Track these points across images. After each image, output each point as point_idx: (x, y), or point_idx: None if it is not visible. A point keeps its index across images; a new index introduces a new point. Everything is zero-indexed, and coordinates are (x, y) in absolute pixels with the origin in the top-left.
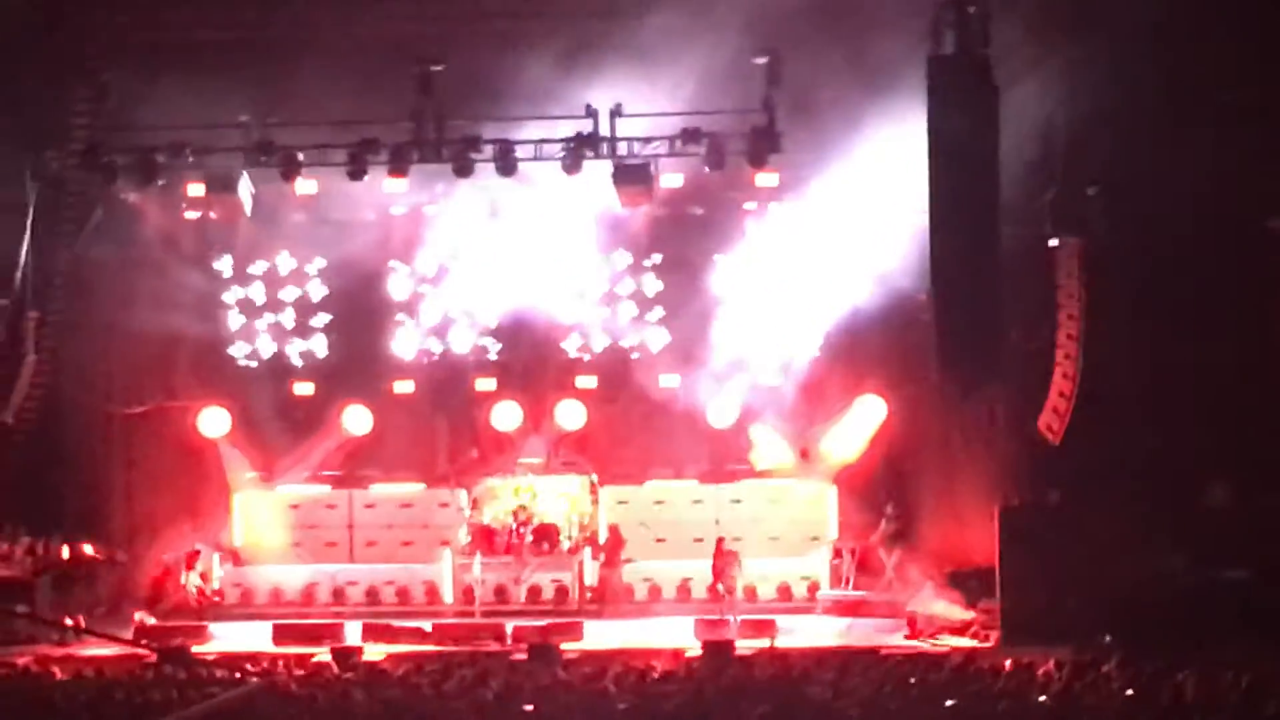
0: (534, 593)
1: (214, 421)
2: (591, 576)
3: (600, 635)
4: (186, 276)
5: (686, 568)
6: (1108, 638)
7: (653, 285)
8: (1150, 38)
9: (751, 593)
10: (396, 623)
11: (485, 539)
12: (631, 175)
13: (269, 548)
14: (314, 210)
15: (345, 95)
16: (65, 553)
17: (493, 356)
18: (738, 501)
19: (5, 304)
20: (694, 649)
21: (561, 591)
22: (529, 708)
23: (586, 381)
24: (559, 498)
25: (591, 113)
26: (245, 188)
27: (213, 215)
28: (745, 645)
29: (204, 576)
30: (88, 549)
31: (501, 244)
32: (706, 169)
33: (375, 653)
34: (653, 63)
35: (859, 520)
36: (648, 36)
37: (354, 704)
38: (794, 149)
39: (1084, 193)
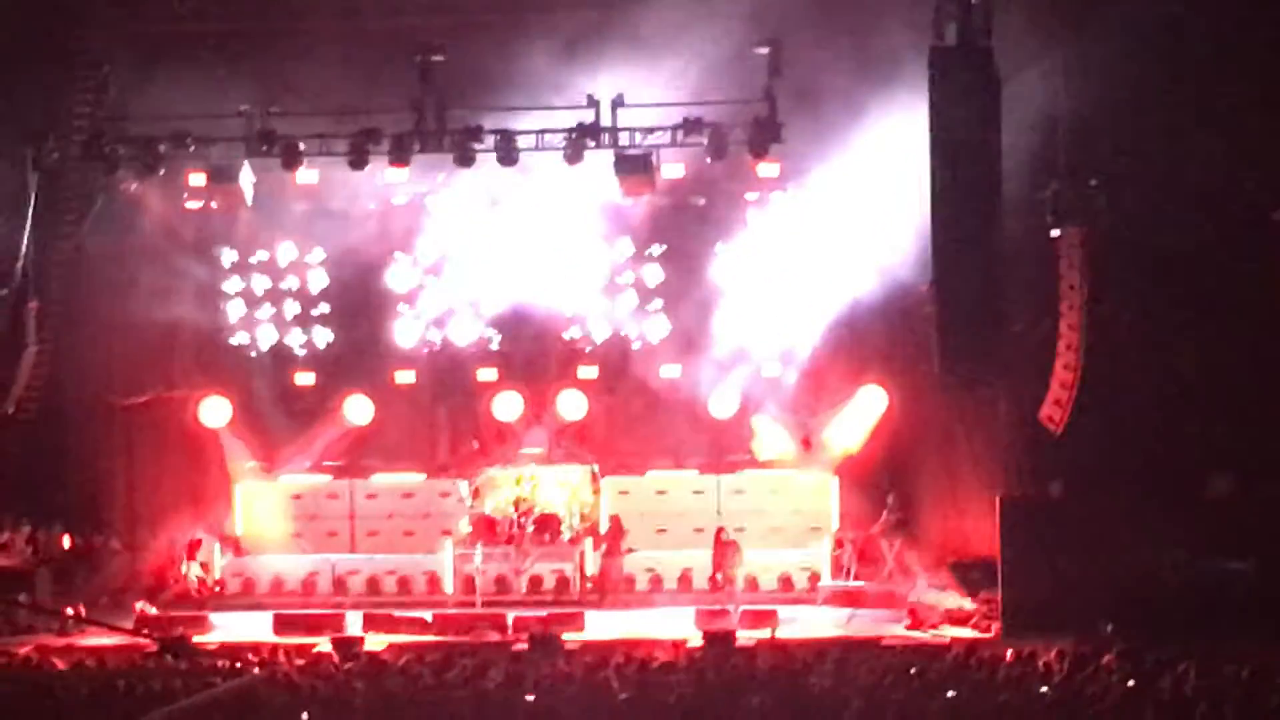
0: (535, 583)
1: (215, 411)
2: (592, 567)
3: (601, 625)
4: (187, 266)
5: (687, 558)
6: (1109, 628)
7: (654, 275)
8: (1152, 28)
9: (753, 583)
10: (397, 613)
11: (486, 529)
12: (633, 165)
13: (270, 537)
14: (315, 200)
15: (346, 85)
16: (66, 542)
17: (494, 347)
18: (739, 492)
19: (6, 294)
20: (695, 639)
21: (562, 582)
22: (530, 698)
23: (588, 372)
24: (560, 488)
25: (593, 103)
26: (246, 177)
27: (214, 205)
28: (746, 635)
29: (205, 566)
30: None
31: (503, 234)
32: (708, 159)
33: (376, 643)
34: (654, 53)
35: (860, 511)
36: (649, 26)
37: (355, 694)
38: (795, 139)
39: (1086, 184)
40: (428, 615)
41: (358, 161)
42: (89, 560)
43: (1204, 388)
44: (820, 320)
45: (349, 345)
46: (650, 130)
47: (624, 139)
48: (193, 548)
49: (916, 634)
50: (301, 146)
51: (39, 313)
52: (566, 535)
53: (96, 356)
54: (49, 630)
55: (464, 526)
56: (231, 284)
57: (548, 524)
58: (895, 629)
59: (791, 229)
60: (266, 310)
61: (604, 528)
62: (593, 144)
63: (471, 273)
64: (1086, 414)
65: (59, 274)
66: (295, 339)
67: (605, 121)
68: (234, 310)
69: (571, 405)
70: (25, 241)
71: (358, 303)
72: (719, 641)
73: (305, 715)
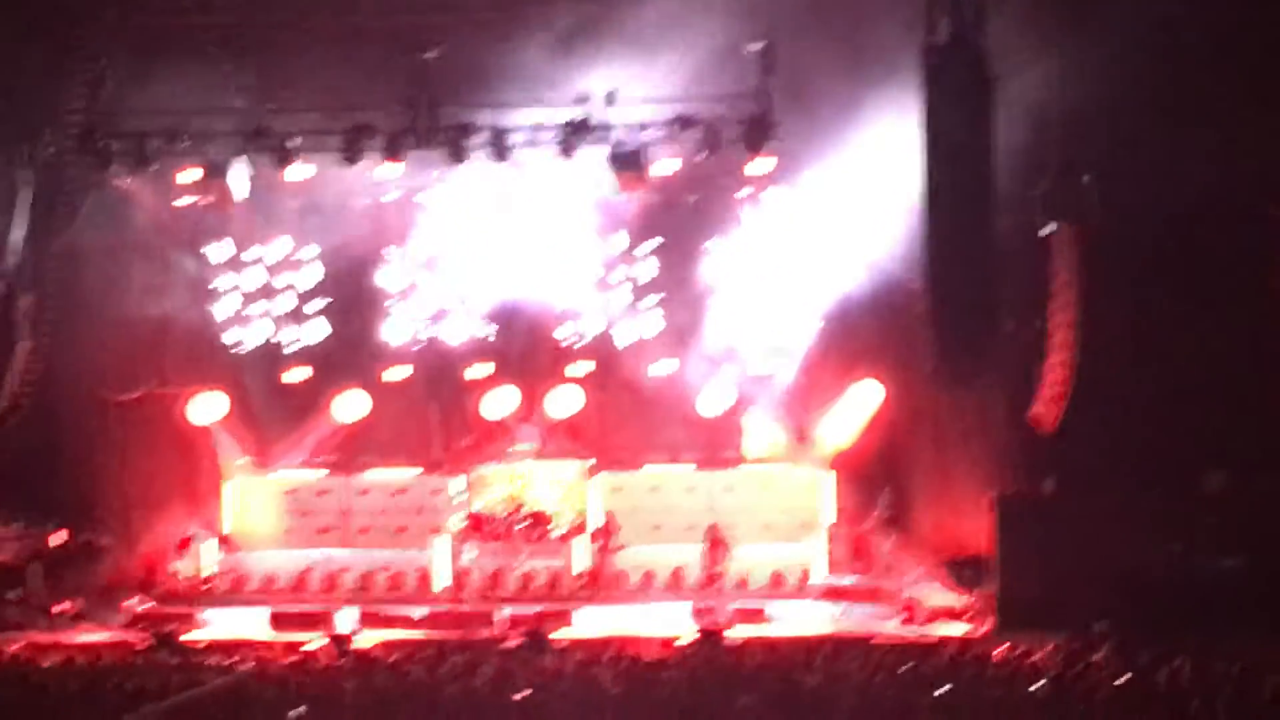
0: (527, 579)
1: (208, 407)
2: (584, 563)
3: (593, 622)
4: (180, 262)
5: (679, 554)
6: (1099, 624)
7: (647, 272)
8: (1145, 25)
9: (744, 580)
10: (389, 610)
11: (478, 526)
12: (626, 162)
13: (262, 534)
14: (308, 196)
15: (340, 81)
16: (58, 539)
17: (487, 343)
18: (731, 488)
19: None
20: (686, 636)
21: (554, 578)
22: (521, 695)
23: (580, 368)
24: (552, 484)
25: (586, 99)
26: (240, 173)
27: (207, 201)
28: (737, 632)
29: (197, 563)
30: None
31: (496, 231)
32: (701, 156)
33: (368, 639)
34: (648, 49)
35: (853, 507)
36: (642, 23)
37: (345, 691)
38: (788, 136)
39: (1079, 181)
40: (419, 612)
41: (351, 158)
42: (81, 556)
43: (1197, 384)
44: (813, 317)
45: (342, 341)
46: (643, 127)
47: (617, 135)
48: (185, 544)
49: (909, 630)
50: (295, 143)
51: (32, 308)
52: (558, 532)
53: (89, 352)
54: (40, 627)
55: (456, 523)
56: (224, 280)
57: (540, 521)
58: (888, 625)
59: (784, 226)
60: (259, 306)
61: (596, 524)
62: (586, 140)
63: (464, 269)
64: (1080, 411)
65: (52, 269)
66: (288, 335)
67: (598, 118)
68: (227, 306)
69: (564, 402)
70: (18, 237)
71: (351, 299)
72: (710, 638)
73: (296, 712)
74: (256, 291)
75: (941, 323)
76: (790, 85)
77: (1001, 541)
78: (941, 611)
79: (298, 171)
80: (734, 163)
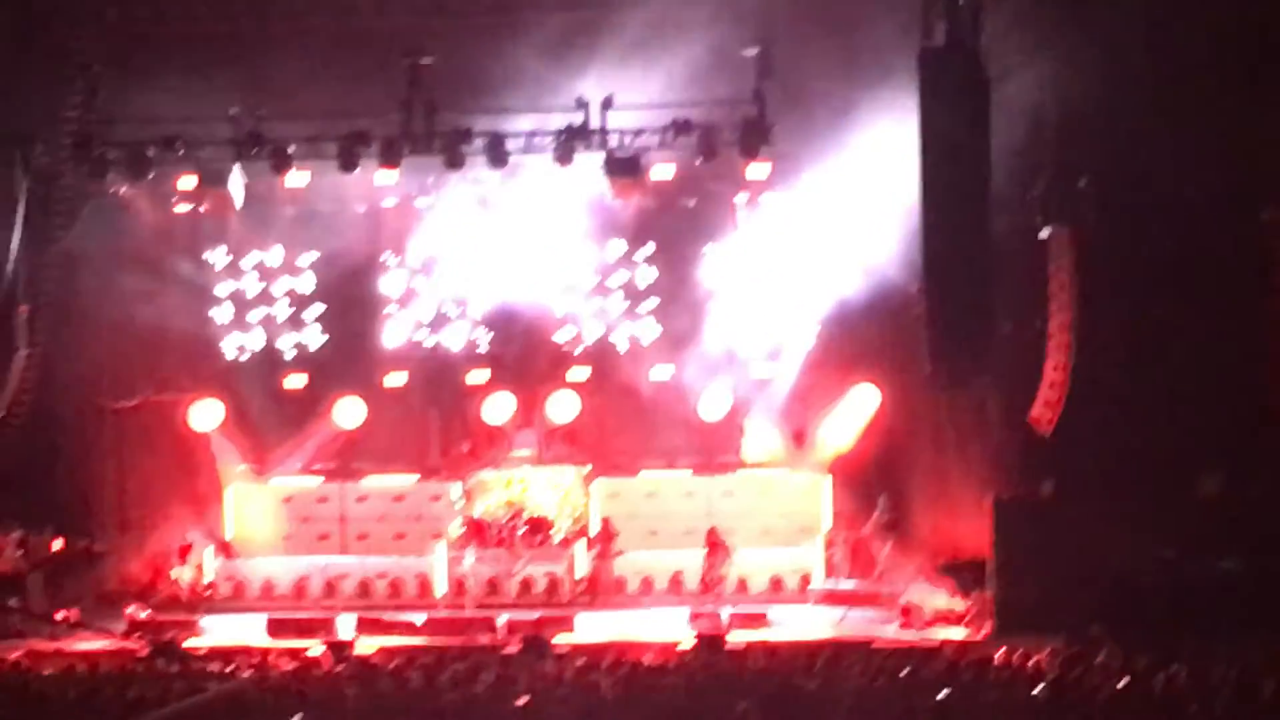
0: (526, 585)
1: (206, 414)
2: (584, 569)
3: (592, 628)
4: (177, 269)
5: (678, 560)
6: (1097, 627)
7: (644, 277)
8: (1141, 27)
9: (743, 584)
10: (388, 616)
11: (477, 532)
12: (622, 167)
13: (261, 541)
14: (305, 203)
15: (336, 88)
16: (57, 546)
17: (484, 349)
18: (730, 493)
19: None
20: (686, 641)
21: (554, 584)
22: (521, 701)
23: (578, 373)
24: (551, 490)
25: (582, 104)
26: (236, 181)
27: (203, 208)
28: (737, 637)
29: (196, 570)
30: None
31: (492, 236)
32: (698, 160)
33: (367, 646)
34: (644, 54)
35: (851, 511)
36: (638, 28)
37: (345, 698)
38: (785, 140)
39: (1075, 183)
40: (419, 618)
41: (347, 164)
42: (80, 564)
43: (1195, 387)
44: (810, 321)
45: (339, 348)
46: (640, 132)
47: (613, 140)
48: (184, 551)
49: (908, 634)
50: (291, 149)
51: (29, 316)
52: (557, 537)
53: (87, 360)
54: (39, 635)
55: (455, 529)
56: (221, 287)
57: (539, 526)
58: (887, 629)
59: (781, 230)
60: (257, 313)
61: (595, 530)
62: (582, 145)
63: (461, 275)
64: (1077, 414)
65: (49, 277)
66: (286, 342)
67: (595, 123)
68: (224, 313)
69: (562, 407)
70: (15, 245)
71: (348, 305)
72: (710, 643)
73: (296, 719)
74: (254, 298)
75: (939, 325)
76: (787, 89)
77: (999, 545)
78: (940, 615)
79: (294, 178)
80: (731, 167)
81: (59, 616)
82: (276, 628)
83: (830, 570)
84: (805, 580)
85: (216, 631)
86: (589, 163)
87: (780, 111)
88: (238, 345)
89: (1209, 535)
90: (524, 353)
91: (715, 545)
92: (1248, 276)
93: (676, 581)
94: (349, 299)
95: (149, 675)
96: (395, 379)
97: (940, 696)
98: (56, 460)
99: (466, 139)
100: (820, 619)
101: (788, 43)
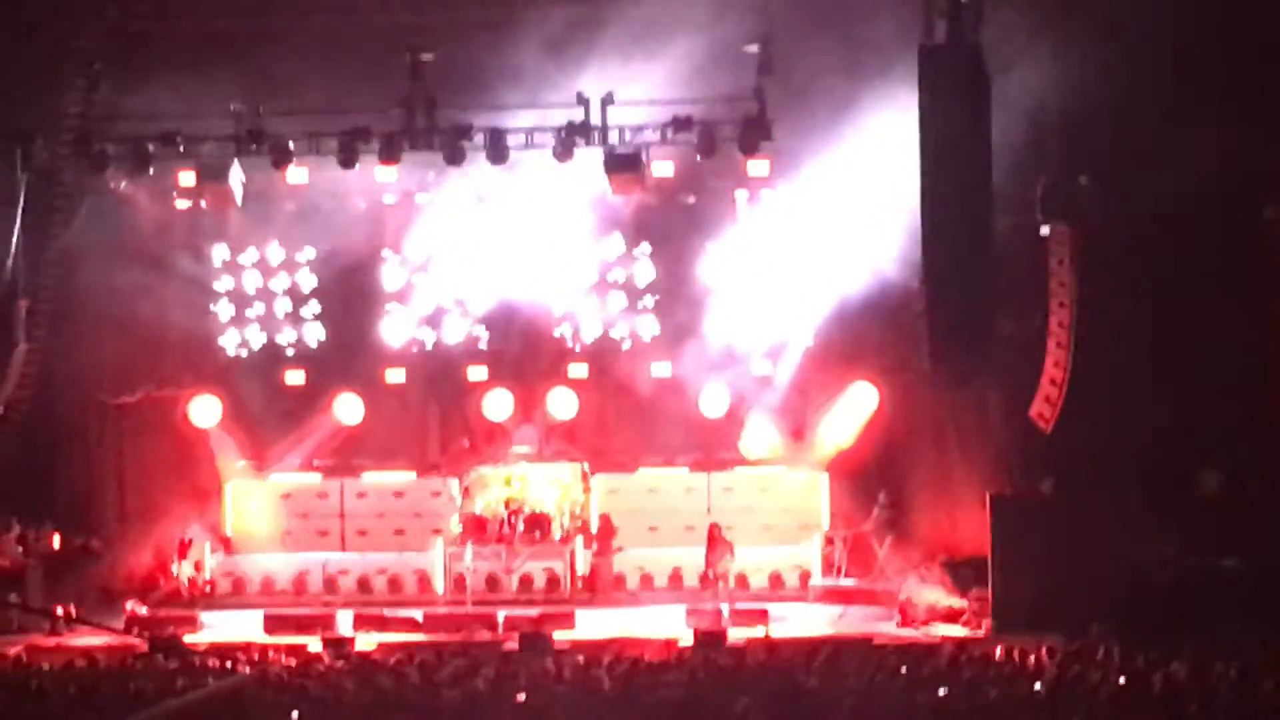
0: (525, 582)
1: (205, 410)
2: (583, 565)
3: (592, 624)
4: (177, 265)
5: (678, 556)
6: (1095, 626)
7: (644, 273)
8: (1143, 24)
9: (743, 581)
10: (388, 612)
11: (477, 528)
12: (623, 163)
13: (261, 537)
14: (305, 199)
15: (336, 84)
16: (56, 542)
17: (484, 345)
18: (729, 490)
19: None
20: (686, 638)
21: (553, 580)
22: (521, 697)
23: (578, 370)
24: (550, 486)
25: (583, 101)
26: (236, 176)
27: (204, 204)
28: (737, 634)
29: (196, 566)
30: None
31: (492, 232)
32: (698, 157)
33: (367, 642)
34: (644, 51)
35: (851, 508)
36: (639, 24)
37: (345, 694)
38: (785, 136)
39: (1076, 181)
40: (418, 614)
41: (347, 160)
42: (79, 560)
43: (1194, 385)
44: (810, 318)
45: (339, 344)
46: (640, 128)
47: (614, 137)
48: (183, 547)
49: (907, 632)
50: (291, 145)
51: (29, 311)
52: (557, 534)
53: (87, 355)
54: (39, 630)
55: (454, 525)
56: (221, 283)
57: (538, 523)
58: (886, 627)
59: (781, 226)
60: (256, 309)
61: (594, 526)
62: (583, 142)
63: (461, 271)
64: (1077, 412)
65: (49, 273)
66: (285, 338)
67: (595, 120)
68: (224, 309)
69: (562, 403)
70: (15, 240)
71: (348, 301)
72: (710, 640)
73: (295, 715)
74: (254, 294)
75: (939, 323)
76: (787, 85)
77: (998, 542)
78: (940, 612)
79: (295, 174)
80: (731, 163)
81: (59, 612)
82: (275, 624)
83: (830, 567)
84: (805, 577)
85: (216, 627)
86: (589, 159)
87: (780, 108)
88: (237, 341)
89: (1209, 534)
90: (524, 349)
91: (716, 540)
92: (1248, 275)
93: (676, 578)
94: (349, 295)
95: (148, 671)
96: (395, 375)
97: (940, 694)
98: (56, 456)
99: (467, 135)
100: (820, 616)
101: (788, 39)
